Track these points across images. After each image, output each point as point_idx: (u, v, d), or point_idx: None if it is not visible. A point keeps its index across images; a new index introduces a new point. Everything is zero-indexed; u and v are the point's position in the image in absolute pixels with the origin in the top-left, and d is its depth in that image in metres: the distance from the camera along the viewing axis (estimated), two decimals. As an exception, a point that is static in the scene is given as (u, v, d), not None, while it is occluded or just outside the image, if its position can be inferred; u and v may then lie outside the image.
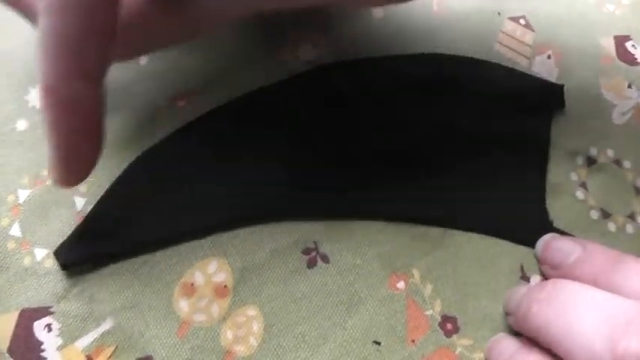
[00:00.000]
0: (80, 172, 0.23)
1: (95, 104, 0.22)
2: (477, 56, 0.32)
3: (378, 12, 0.33)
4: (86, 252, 0.26)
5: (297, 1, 0.25)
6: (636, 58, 0.35)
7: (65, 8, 0.20)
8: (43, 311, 0.25)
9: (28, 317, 0.25)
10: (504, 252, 0.28)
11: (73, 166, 0.23)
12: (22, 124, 0.28)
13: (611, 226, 0.30)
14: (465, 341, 0.26)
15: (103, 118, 0.23)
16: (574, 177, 0.31)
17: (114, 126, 0.28)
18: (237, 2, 0.24)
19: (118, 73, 0.30)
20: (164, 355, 0.25)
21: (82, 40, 0.20)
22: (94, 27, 0.21)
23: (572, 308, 0.23)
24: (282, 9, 0.25)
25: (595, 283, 0.24)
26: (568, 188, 0.31)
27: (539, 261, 0.28)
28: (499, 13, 0.34)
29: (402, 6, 0.33)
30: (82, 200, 0.27)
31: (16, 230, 0.26)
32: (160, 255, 0.26)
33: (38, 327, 0.25)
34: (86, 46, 0.21)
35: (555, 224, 0.29)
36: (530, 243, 0.29)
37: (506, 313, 0.27)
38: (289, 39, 0.32)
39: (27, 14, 0.24)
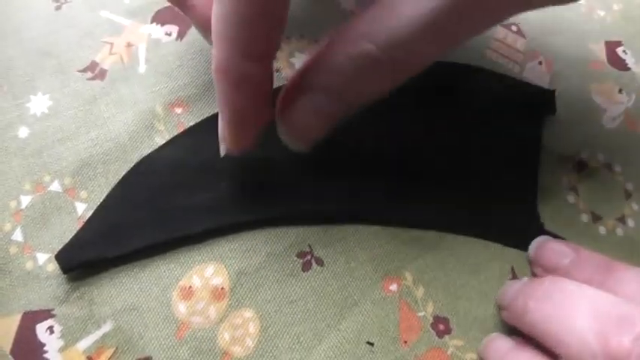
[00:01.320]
0: (249, 139, 0.25)
1: (263, 82, 0.24)
2: (469, 63, 0.33)
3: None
4: (87, 256, 0.26)
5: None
6: (627, 64, 0.36)
7: None
8: (44, 314, 0.26)
9: (30, 320, 0.25)
10: (495, 255, 0.29)
11: (242, 135, 0.25)
12: (23, 132, 0.29)
13: (602, 230, 0.31)
14: (457, 342, 0.27)
15: (271, 93, 0.25)
16: (565, 181, 0.31)
17: (112, 133, 0.29)
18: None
19: (117, 81, 0.30)
20: (163, 356, 0.25)
21: (253, 24, 0.22)
22: (263, 12, 0.21)
23: (568, 306, 0.24)
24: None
25: None
26: (559, 192, 0.31)
27: (532, 262, 0.29)
28: (491, 21, 0.35)
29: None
30: (82, 206, 0.28)
31: (18, 235, 0.27)
32: (158, 259, 0.27)
33: (40, 329, 0.25)
34: (256, 30, 0.22)
35: (546, 227, 0.30)
36: (522, 246, 0.29)
37: (500, 308, 0.27)
38: (283, 48, 0.32)
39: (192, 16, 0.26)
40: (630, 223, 0.31)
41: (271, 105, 0.25)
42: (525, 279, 0.28)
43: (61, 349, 0.25)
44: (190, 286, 0.26)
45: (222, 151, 0.26)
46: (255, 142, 0.26)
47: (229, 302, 0.26)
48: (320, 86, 0.24)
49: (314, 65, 0.24)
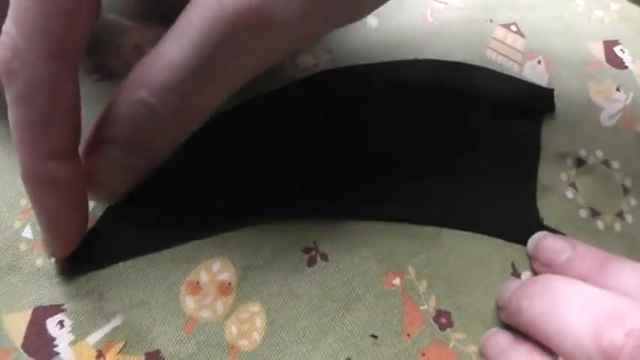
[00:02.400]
0: (68, 244, 0.25)
1: (72, 180, 0.23)
2: (469, 62, 0.33)
3: (373, 21, 0.34)
4: (96, 252, 0.27)
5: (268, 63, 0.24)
6: (624, 63, 0.37)
7: (24, 97, 0.21)
8: (55, 309, 0.26)
9: (41, 315, 0.26)
10: (496, 250, 0.29)
11: (61, 240, 0.25)
12: (33, 131, 0.29)
13: (600, 225, 0.31)
14: (459, 335, 0.28)
15: (84, 193, 0.24)
16: (564, 177, 0.32)
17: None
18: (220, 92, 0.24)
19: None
20: (171, 349, 0.26)
21: (45, 124, 0.22)
22: (54, 110, 0.22)
23: (561, 303, 0.24)
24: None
25: (585, 282, 0.25)
26: (558, 188, 0.32)
27: (531, 258, 0.29)
28: (491, 20, 0.36)
29: (396, 16, 0.34)
30: (91, 203, 0.28)
31: (28, 232, 0.27)
32: (166, 255, 0.27)
33: (51, 324, 0.26)
34: (48, 130, 0.22)
35: (545, 223, 0.30)
36: (522, 241, 0.30)
37: (499, 308, 0.28)
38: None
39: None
40: (628, 218, 0.32)
41: (87, 206, 0.25)
42: (523, 278, 0.29)
43: (72, 343, 0.25)
44: (198, 281, 0.27)
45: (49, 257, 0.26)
46: (74, 246, 0.25)
47: (236, 297, 0.27)
48: (111, 138, 0.23)
49: (105, 116, 0.23)
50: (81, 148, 0.24)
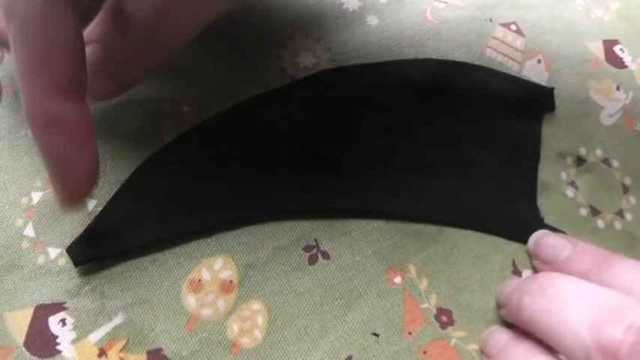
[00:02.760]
0: (81, 189, 0.24)
1: (77, 117, 0.22)
2: (469, 61, 0.34)
3: (373, 20, 0.34)
4: (97, 250, 0.27)
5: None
6: (624, 62, 0.37)
7: (23, 33, 0.21)
8: (57, 307, 0.26)
9: (43, 313, 0.26)
10: (497, 248, 0.30)
11: (72, 184, 0.23)
12: (34, 130, 0.29)
13: (600, 223, 0.31)
14: (460, 333, 0.28)
15: (92, 133, 0.23)
16: (564, 176, 0.32)
17: (122, 130, 0.30)
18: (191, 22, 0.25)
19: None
20: (173, 347, 0.26)
21: (48, 54, 0.21)
22: (57, 38, 0.21)
23: (561, 299, 0.24)
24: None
25: (585, 280, 0.26)
26: (558, 187, 0.32)
27: (532, 256, 0.29)
28: (490, 20, 0.36)
29: (396, 14, 0.35)
30: (92, 202, 0.28)
31: (30, 231, 0.27)
32: (168, 253, 0.27)
33: (53, 322, 0.26)
34: (49, 63, 0.21)
35: (546, 221, 0.30)
36: (522, 239, 0.30)
37: (499, 306, 0.28)
38: (288, 47, 0.33)
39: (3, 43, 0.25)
40: (628, 216, 0.32)
41: (96, 150, 0.23)
42: (523, 277, 0.29)
43: (74, 341, 0.26)
44: (199, 279, 0.27)
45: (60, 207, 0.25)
46: (89, 192, 0.24)
47: (238, 295, 0.27)
48: (92, 38, 0.25)
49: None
50: None
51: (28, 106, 0.22)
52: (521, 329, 0.26)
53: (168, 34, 0.25)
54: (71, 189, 0.23)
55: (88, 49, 0.24)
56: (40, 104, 0.22)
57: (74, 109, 0.22)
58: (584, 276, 0.26)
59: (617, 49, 0.37)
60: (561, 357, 0.24)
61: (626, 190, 0.32)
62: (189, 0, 0.24)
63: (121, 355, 0.26)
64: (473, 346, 0.28)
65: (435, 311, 0.28)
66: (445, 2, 0.36)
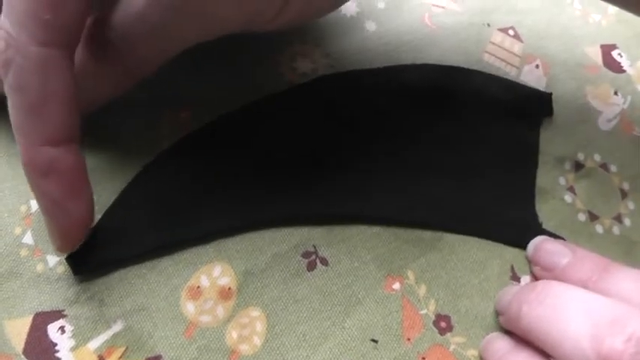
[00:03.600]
0: (74, 237, 0.25)
1: (72, 167, 0.23)
2: (466, 66, 0.34)
3: (371, 25, 0.34)
4: (96, 258, 0.27)
5: (219, 31, 0.26)
6: (622, 66, 0.37)
7: (19, 84, 0.22)
8: (56, 314, 0.26)
9: (42, 320, 0.26)
10: (495, 253, 0.30)
11: (66, 232, 0.24)
12: (33, 137, 0.29)
13: (599, 228, 0.31)
14: (459, 339, 0.28)
15: (86, 179, 0.24)
16: (562, 181, 0.32)
17: (120, 137, 0.30)
18: (170, 43, 0.25)
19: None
20: (172, 354, 0.26)
21: (43, 104, 0.22)
22: (52, 89, 0.22)
23: (561, 308, 0.24)
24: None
25: (584, 288, 0.25)
26: (556, 192, 0.32)
27: (531, 262, 0.30)
28: (488, 25, 0.36)
29: (394, 20, 0.35)
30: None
31: (28, 238, 0.27)
32: (166, 260, 0.27)
33: (52, 329, 0.26)
34: (45, 114, 0.22)
35: (544, 226, 0.30)
36: (521, 245, 0.30)
37: (498, 313, 0.28)
38: (286, 53, 0.33)
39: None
40: (626, 222, 0.32)
41: (90, 194, 0.24)
42: (522, 283, 0.29)
43: (73, 349, 0.26)
44: (198, 286, 0.27)
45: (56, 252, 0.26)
46: (82, 238, 0.25)
47: (236, 301, 0.27)
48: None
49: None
50: None
51: (24, 154, 0.22)
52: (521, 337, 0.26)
53: (144, 60, 0.25)
54: (67, 234, 0.25)
55: None
56: (36, 153, 0.22)
57: (69, 156, 0.23)
58: (584, 284, 0.26)
59: (615, 53, 0.37)
60: None
61: (624, 195, 0.32)
62: (171, 28, 0.24)
63: (120, 362, 0.26)
64: (472, 352, 0.28)
65: (433, 317, 0.28)
66: (443, 7, 0.36)
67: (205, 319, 0.27)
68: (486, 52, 0.35)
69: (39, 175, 0.23)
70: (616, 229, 0.31)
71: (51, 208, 0.24)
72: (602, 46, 0.37)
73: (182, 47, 0.26)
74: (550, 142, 0.33)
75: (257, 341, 0.26)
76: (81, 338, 0.26)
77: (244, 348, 0.26)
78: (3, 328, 0.26)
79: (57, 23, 0.22)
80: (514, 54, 0.35)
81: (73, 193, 0.24)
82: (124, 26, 0.24)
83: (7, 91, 0.22)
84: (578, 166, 0.33)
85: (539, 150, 0.32)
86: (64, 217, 0.24)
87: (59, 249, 0.25)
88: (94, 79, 0.25)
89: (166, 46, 0.25)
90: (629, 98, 0.35)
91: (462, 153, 0.32)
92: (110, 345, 0.26)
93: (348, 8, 0.35)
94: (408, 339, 0.27)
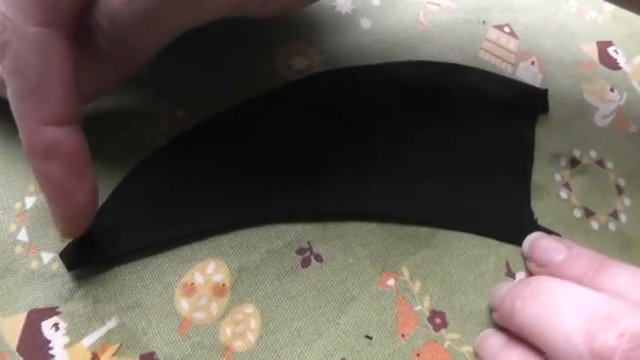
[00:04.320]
0: (78, 221, 0.25)
1: (73, 148, 0.23)
2: (462, 63, 0.34)
3: (365, 23, 0.34)
4: (90, 254, 0.27)
5: (209, 15, 0.25)
6: (618, 63, 0.37)
7: (17, 67, 0.22)
8: (50, 311, 0.26)
9: (36, 317, 0.26)
10: (490, 250, 0.30)
11: (70, 216, 0.24)
12: (28, 135, 0.29)
13: (594, 225, 0.31)
14: (453, 335, 0.28)
15: (89, 161, 0.24)
16: (558, 178, 0.32)
17: (115, 135, 0.30)
18: (160, 29, 0.25)
19: (118, 85, 0.31)
20: (166, 351, 0.26)
21: (42, 86, 0.22)
22: (51, 71, 0.22)
23: (554, 304, 0.24)
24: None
25: (579, 284, 0.25)
26: (552, 188, 0.32)
27: (526, 258, 0.29)
28: (484, 22, 0.36)
29: (389, 17, 0.35)
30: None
31: (23, 235, 0.27)
32: (161, 257, 0.27)
33: (46, 326, 0.26)
34: (44, 96, 0.22)
35: (540, 222, 0.30)
36: (516, 241, 0.30)
37: (492, 309, 0.28)
38: (281, 50, 0.33)
39: None
40: (622, 218, 0.32)
41: (93, 176, 0.24)
42: (517, 279, 0.29)
43: (67, 346, 0.26)
44: (192, 283, 0.27)
45: (60, 237, 0.26)
46: (89, 223, 0.25)
47: (230, 298, 0.27)
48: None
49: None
50: None
51: (25, 138, 0.22)
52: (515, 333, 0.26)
53: (135, 49, 0.25)
54: (72, 219, 0.24)
55: None
56: (38, 135, 0.22)
57: (71, 137, 0.23)
58: (579, 280, 0.26)
59: (611, 50, 0.37)
60: None
61: (620, 191, 0.32)
62: (162, 14, 0.24)
63: (114, 359, 0.25)
64: (467, 348, 0.28)
65: (428, 313, 0.28)
66: (438, 5, 0.36)
67: (199, 315, 0.27)
68: (482, 49, 0.35)
69: (41, 158, 0.22)
70: (612, 226, 0.31)
71: (55, 192, 0.23)
72: (599, 43, 0.37)
73: (173, 35, 0.25)
74: (546, 138, 0.33)
75: (251, 338, 0.26)
76: (75, 335, 0.26)
77: (238, 344, 0.26)
78: (-3, 325, 0.26)
79: (53, 3, 0.21)
80: (510, 51, 0.35)
81: (77, 174, 0.23)
82: (113, 14, 0.23)
83: (5, 75, 0.22)
84: (574, 162, 0.33)
85: (534, 146, 0.32)
86: (68, 200, 0.23)
87: (64, 235, 0.25)
88: (85, 71, 0.25)
89: (157, 34, 0.25)
90: (625, 95, 0.35)
91: (457, 150, 0.32)
92: (104, 342, 0.26)
93: (343, 6, 0.35)
94: (403, 335, 0.27)
